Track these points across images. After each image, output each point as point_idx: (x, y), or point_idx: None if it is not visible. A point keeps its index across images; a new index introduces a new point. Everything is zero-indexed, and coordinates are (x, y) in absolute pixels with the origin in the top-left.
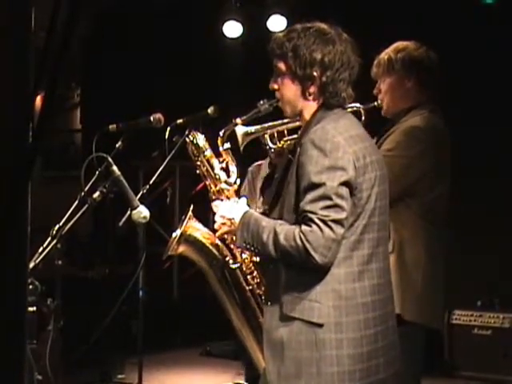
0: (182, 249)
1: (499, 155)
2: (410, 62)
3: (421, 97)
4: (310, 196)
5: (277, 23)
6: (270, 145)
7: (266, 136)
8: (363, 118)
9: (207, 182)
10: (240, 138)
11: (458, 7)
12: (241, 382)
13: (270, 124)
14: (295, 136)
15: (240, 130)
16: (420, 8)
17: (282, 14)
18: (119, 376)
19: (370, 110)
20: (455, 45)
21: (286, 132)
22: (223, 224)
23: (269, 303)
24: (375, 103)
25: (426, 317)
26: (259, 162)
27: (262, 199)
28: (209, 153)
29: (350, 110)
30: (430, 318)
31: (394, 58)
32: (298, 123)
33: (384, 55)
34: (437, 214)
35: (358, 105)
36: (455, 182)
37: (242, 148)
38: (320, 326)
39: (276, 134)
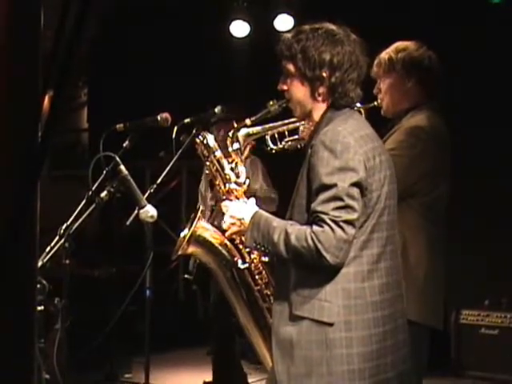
0: (191, 249)
1: (505, 155)
2: (411, 62)
3: (421, 97)
4: (321, 197)
5: (284, 22)
6: (271, 146)
7: (267, 137)
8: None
9: (216, 183)
10: (241, 139)
11: (465, 7)
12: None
13: (271, 125)
14: (296, 137)
15: (241, 131)
16: (425, 7)
17: (289, 14)
18: (126, 375)
19: (370, 110)
20: (462, 45)
21: (286, 133)
22: (233, 224)
23: (277, 303)
24: (375, 103)
25: (426, 316)
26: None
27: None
28: (219, 153)
29: None
30: (430, 317)
31: (394, 57)
32: (298, 124)
33: (384, 55)
34: (437, 213)
35: (358, 104)
36: (463, 182)
37: (243, 149)
38: (330, 325)
39: (277, 135)
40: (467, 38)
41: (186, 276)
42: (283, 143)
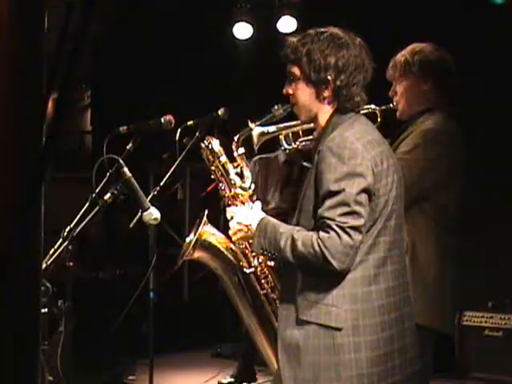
0: (197, 254)
1: (504, 156)
2: (427, 65)
3: (437, 99)
4: (328, 203)
5: (287, 24)
6: (285, 145)
7: (281, 137)
8: (379, 119)
9: (222, 187)
10: (255, 139)
11: (467, 7)
12: (224, 381)
13: (286, 125)
14: (310, 137)
15: (255, 130)
16: (429, 9)
17: (292, 16)
18: (130, 377)
19: (386, 112)
20: (463, 45)
21: (300, 133)
22: (239, 230)
23: (283, 307)
24: (391, 105)
25: (432, 320)
26: (265, 156)
27: (279, 196)
28: (224, 158)
29: (365, 111)
30: (436, 321)
31: (410, 60)
32: (312, 124)
33: (400, 57)
34: (449, 216)
35: (373, 106)
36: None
37: (256, 148)
38: (338, 329)
39: (291, 135)
40: (470, 39)
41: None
42: (297, 143)
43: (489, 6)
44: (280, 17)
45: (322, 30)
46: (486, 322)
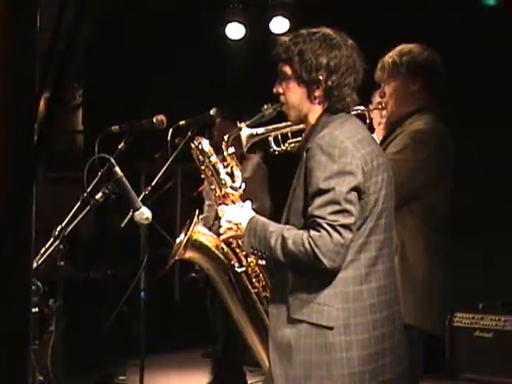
0: (188, 254)
1: (500, 156)
2: (416, 66)
3: (425, 100)
4: (318, 201)
5: (279, 25)
6: (274, 147)
7: (270, 138)
8: (368, 120)
9: (212, 187)
10: (244, 140)
11: (459, 9)
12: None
13: (275, 126)
14: (299, 138)
15: (244, 132)
16: (421, 10)
17: (284, 16)
18: (121, 377)
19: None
20: (456, 47)
21: (289, 134)
22: (229, 229)
23: (274, 306)
24: (379, 106)
25: (422, 321)
26: None
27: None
28: (214, 158)
29: (354, 112)
30: (426, 322)
31: (398, 61)
32: (302, 126)
33: (388, 58)
34: (438, 216)
35: (362, 107)
36: (456, 185)
37: (245, 150)
38: (329, 328)
39: (280, 137)
40: (461, 41)
41: (193, 275)
42: (286, 145)
43: (480, 7)
44: (272, 17)
45: (315, 30)
46: (476, 323)
